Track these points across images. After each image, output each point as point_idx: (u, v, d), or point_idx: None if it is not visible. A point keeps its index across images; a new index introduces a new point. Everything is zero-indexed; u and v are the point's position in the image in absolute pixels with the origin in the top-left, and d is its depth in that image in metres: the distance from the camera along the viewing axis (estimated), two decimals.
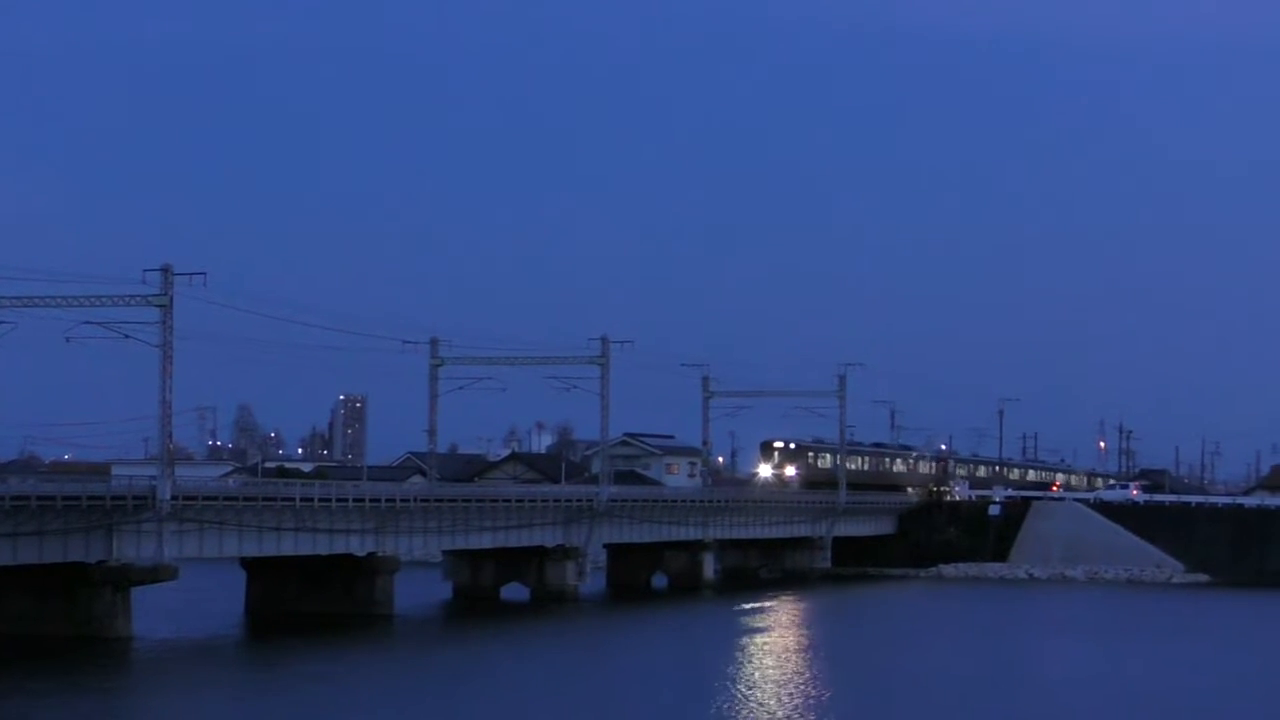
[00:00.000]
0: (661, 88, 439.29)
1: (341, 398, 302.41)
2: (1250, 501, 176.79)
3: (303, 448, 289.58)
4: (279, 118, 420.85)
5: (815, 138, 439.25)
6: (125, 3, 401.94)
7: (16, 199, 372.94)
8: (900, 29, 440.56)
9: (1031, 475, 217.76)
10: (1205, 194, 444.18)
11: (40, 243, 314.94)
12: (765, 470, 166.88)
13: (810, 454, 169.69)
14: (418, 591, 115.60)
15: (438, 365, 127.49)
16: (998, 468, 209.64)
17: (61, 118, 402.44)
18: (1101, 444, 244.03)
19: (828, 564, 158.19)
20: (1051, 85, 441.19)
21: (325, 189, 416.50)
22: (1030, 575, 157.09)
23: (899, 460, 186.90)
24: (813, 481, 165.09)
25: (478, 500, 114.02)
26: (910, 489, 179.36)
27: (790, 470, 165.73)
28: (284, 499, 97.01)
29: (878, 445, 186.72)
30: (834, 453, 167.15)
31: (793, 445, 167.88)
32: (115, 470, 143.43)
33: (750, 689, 71.66)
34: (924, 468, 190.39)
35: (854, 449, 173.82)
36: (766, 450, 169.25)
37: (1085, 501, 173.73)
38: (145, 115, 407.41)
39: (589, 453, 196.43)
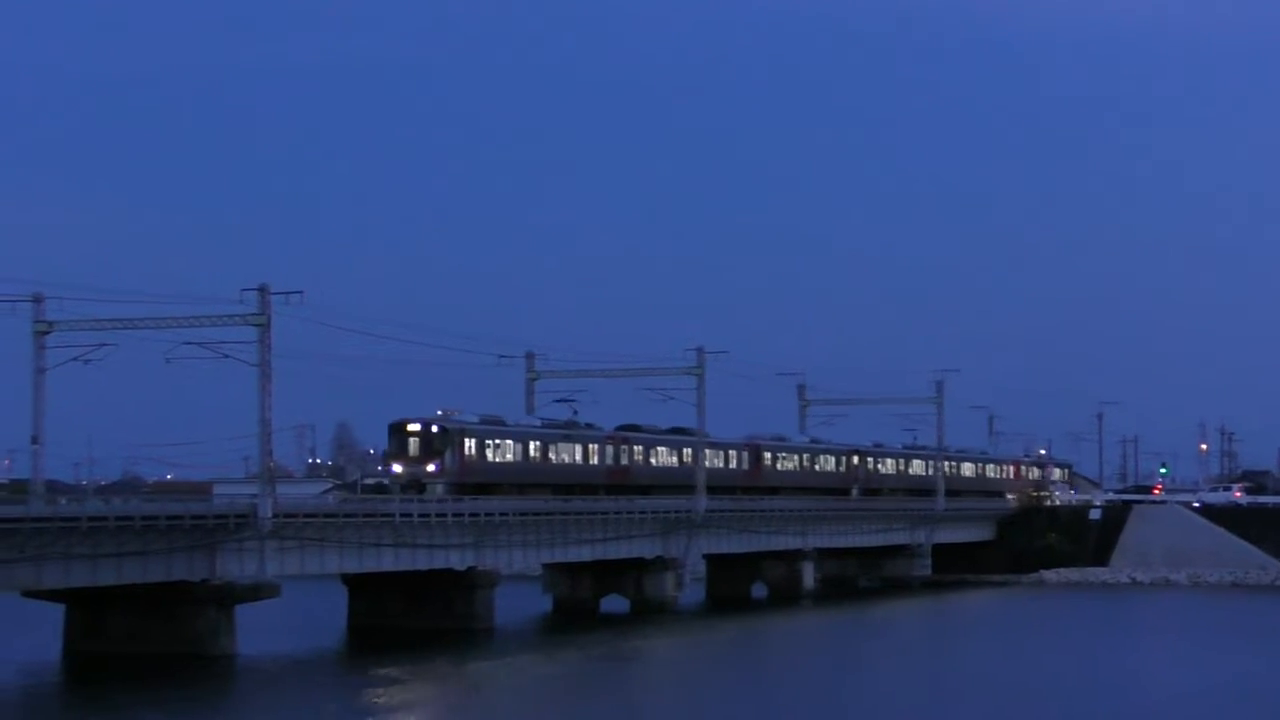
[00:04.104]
0: (740, 94, 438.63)
1: (439, 413, 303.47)
2: None
3: None
4: (370, 134, 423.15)
5: (914, 144, 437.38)
6: (218, 28, 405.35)
7: (119, 220, 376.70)
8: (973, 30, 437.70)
9: (917, 468, 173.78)
10: None
11: (140, 264, 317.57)
12: (397, 466, 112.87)
13: (469, 441, 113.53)
14: (518, 605, 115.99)
15: (533, 379, 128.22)
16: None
17: (160, 139, 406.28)
18: (1203, 446, 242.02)
19: (928, 571, 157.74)
20: (1143, 81, 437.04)
21: (419, 204, 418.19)
22: (1133, 580, 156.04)
23: (599, 446, 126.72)
24: (474, 483, 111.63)
25: (575, 513, 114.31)
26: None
27: (432, 466, 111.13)
28: (383, 515, 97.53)
29: (567, 423, 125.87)
30: (520, 439, 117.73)
31: (436, 429, 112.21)
32: (217, 489, 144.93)
33: None
34: (672, 459, 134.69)
35: (526, 432, 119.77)
36: (397, 435, 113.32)
37: (1187, 504, 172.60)
38: (242, 135, 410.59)
39: None
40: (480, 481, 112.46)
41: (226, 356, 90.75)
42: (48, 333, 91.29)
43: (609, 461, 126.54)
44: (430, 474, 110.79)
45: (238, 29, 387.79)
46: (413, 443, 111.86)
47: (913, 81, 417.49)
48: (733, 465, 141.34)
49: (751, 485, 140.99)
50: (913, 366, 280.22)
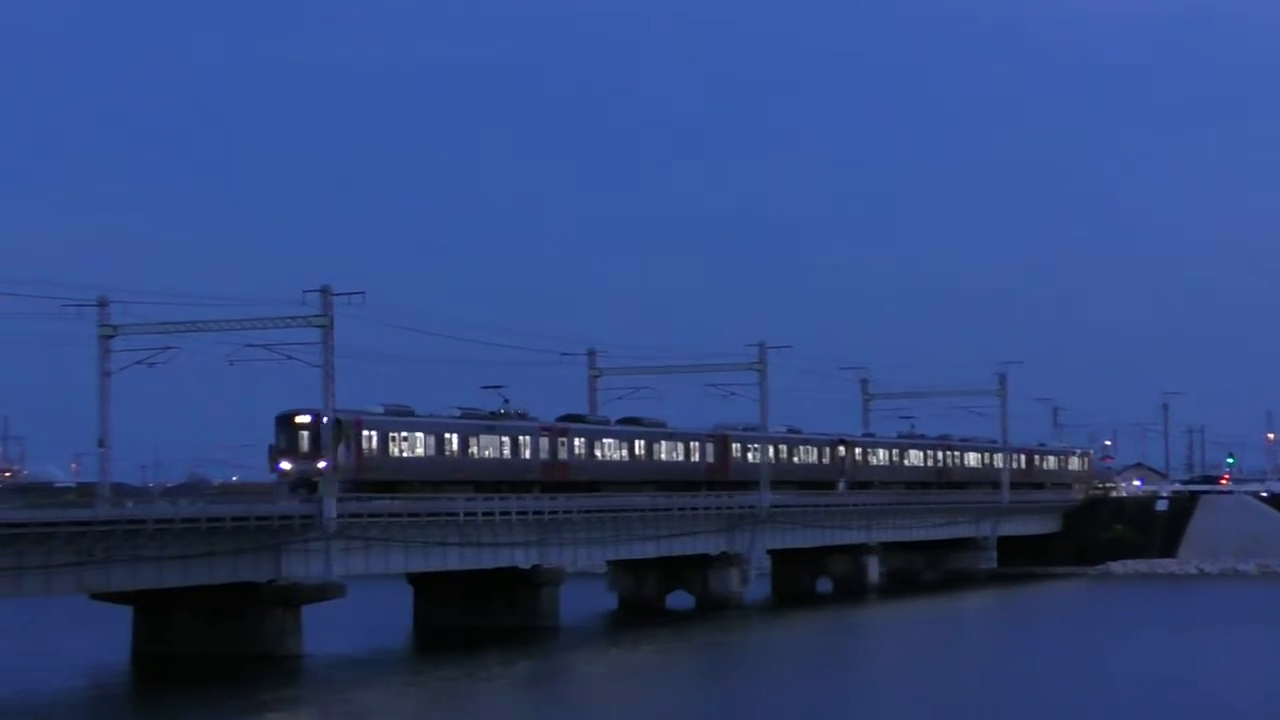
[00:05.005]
0: (801, 96, 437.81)
1: (503, 411, 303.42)
2: None
3: None
4: (431, 134, 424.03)
5: (978, 135, 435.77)
6: (283, 30, 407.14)
7: (181, 223, 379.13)
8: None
9: (915, 459, 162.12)
10: None
11: (204, 266, 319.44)
12: (285, 464, 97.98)
13: (368, 434, 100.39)
14: (583, 603, 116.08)
15: (596, 376, 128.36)
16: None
17: (227, 141, 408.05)
18: (1270, 436, 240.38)
19: (993, 564, 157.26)
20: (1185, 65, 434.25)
21: (479, 203, 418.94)
22: (1200, 571, 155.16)
23: (531, 439, 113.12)
24: (374, 481, 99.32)
25: (640, 510, 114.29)
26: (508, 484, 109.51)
27: (323, 463, 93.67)
28: (447, 514, 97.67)
29: (493, 414, 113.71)
30: (432, 431, 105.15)
31: (326, 420, 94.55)
32: None
33: None
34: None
35: (441, 423, 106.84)
36: (285, 429, 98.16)
37: (1255, 494, 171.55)
38: (305, 135, 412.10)
39: None
40: (382, 479, 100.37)
41: (290, 358, 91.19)
42: (113, 336, 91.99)
43: (544, 456, 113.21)
44: (321, 471, 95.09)
45: (267, 31, 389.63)
46: (303, 436, 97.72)
47: (948, 79, 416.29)
48: (695, 458, 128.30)
49: (718, 480, 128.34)
50: (977, 359, 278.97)
